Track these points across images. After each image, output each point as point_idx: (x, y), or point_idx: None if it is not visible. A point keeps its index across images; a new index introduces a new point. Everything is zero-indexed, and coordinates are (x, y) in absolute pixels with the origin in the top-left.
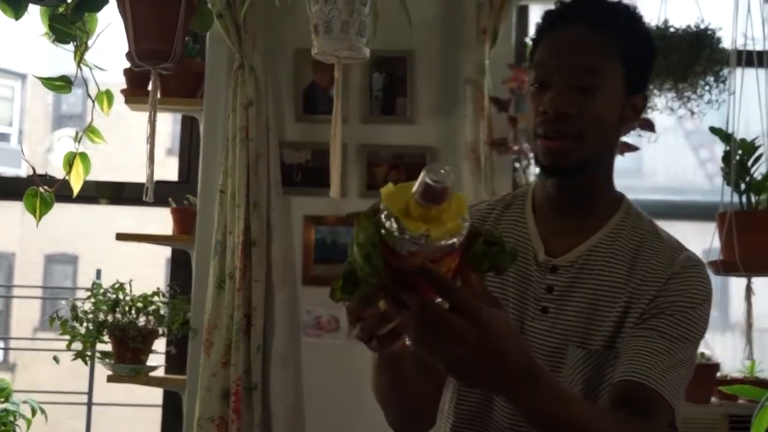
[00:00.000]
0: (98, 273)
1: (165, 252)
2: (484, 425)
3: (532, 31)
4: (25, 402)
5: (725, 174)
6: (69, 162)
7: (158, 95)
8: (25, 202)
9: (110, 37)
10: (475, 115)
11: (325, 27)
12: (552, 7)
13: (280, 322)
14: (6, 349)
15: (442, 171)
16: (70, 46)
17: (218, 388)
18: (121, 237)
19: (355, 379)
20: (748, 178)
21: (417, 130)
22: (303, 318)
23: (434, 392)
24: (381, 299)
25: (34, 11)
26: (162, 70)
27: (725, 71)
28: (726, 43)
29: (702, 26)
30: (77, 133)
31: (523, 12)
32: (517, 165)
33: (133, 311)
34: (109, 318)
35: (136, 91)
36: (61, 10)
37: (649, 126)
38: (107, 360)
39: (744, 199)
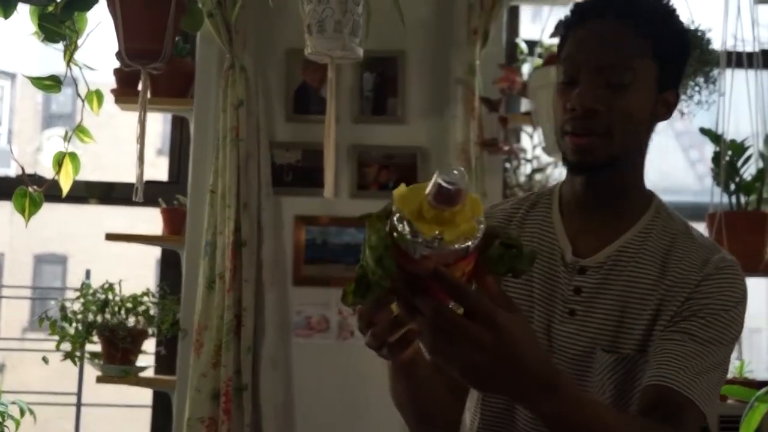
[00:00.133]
0: (87, 273)
1: (155, 252)
2: (508, 430)
3: (522, 31)
4: (13, 403)
5: (715, 175)
6: (58, 162)
7: (148, 95)
8: (14, 202)
9: (100, 36)
10: (465, 115)
11: (318, 27)
12: (547, 5)
13: (270, 322)
14: None
15: (456, 172)
16: (60, 46)
17: (208, 389)
18: (111, 237)
19: (346, 379)
20: (737, 179)
21: (408, 131)
22: (293, 318)
23: (454, 398)
24: (393, 303)
25: (23, 10)
26: (152, 69)
27: (715, 72)
28: (716, 45)
29: (692, 27)
30: (67, 133)
31: (513, 12)
32: (507, 165)
33: (122, 312)
34: (99, 318)
35: (126, 91)
36: (50, 9)
37: None
38: (96, 360)
39: (734, 199)
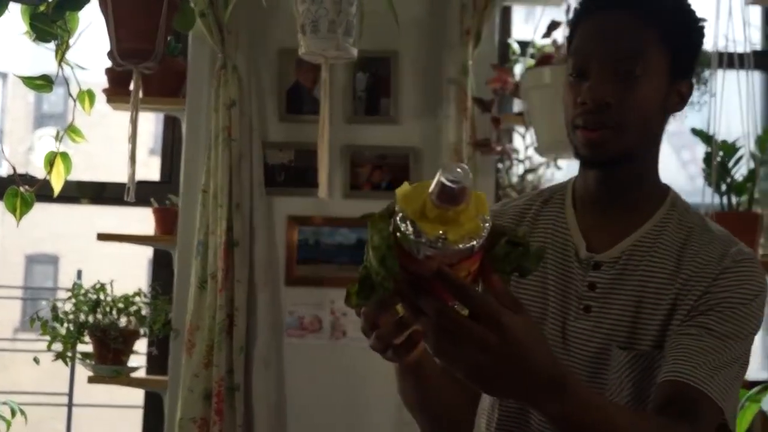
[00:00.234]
0: (79, 273)
1: (147, 252)
2: (523, 430)
3: (515, 31)
4: (4, 403)
5: (706, 175)
6: (50, 161)
7: (140, 95)
8: (6, 202)
9: (92, 35)
10: (458, 115)
11: (312, 27)
12: (540, 6)
13: (262, 322)
14: None
15: (459, 170)
16: (52, 45)
17: (200, 389)
18: (103, 237)
19: (338, 380)
20: (729, 180)
21: (400, 131)
22: (286, 319)
23: (467, 398)
24: (398, 304)
25: (14, 9)
26: (144, 69)
27: (706, 73)
28: (707, 45)
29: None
30: (58, 133)
31: (506, 13)
32: (500, 166)
33: (114, 312)
34: (90, 318)
35: (117, 91)
36: (42, 8)
37: None
38: (88, 361)
39: (725, 200)
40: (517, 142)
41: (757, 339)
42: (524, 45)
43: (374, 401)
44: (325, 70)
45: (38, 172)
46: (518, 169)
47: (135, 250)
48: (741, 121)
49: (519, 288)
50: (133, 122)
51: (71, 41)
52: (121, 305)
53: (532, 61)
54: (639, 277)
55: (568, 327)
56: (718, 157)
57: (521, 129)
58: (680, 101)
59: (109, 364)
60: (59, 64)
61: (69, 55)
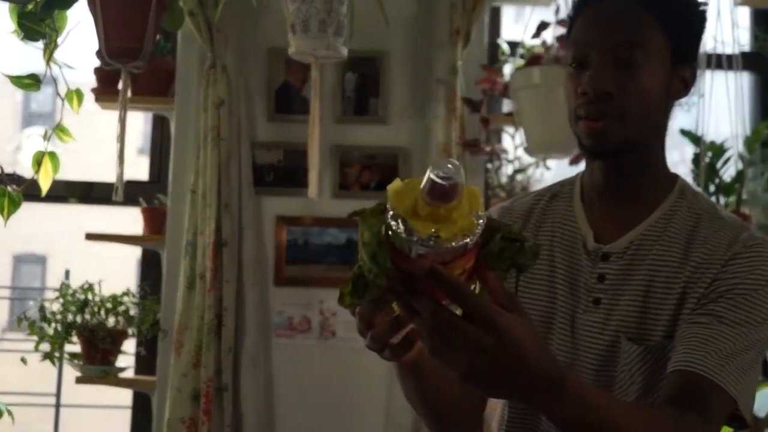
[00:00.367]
0: (67, 273)
1: (135, 252)
2: (534, 427)
3: (504, 32)
4: None
5: (695, 176)
6: (38, 161)
7: (129, 94)
8: None
9: (80, 34)
10: (447, 115)
11: (303, 26)
12: (529, 6)
13: (251, 322)
14: None
15: (450, 166)
16: (40, 44)
17: (189, 389)
18: (91, 237)
19: (327, 380)
20: (717, 180)
21: (389, 131)
22: (274, 319)
23: (476, 399)
24: (392, 303)
25: (2, 8)
26: (132, 68)
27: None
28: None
29: None
30: (46, 132)
31: (495, 13)
32: (489, 166)
33: (102, 312)
34: (78, 319)
35: (106, 90)
36: (30, 7)
37: None
38: (76, 361)
39: (713, 200)
40: (507, 142)
41: None
42: (514, 45)
43: (363, 401)
44: (315, 69)
45: (26, 171)
46: (507, 170)
47: (123, 250)
48: (729, 122)
49: (527, 282)
50: (122, 121)
51: (59, 40)
52: (109, 305)
53: (521, 62)
54: (648, 267)
55: (578, 320)
56: (706, 158)
57: (510, 129)
58: (684, 88)
59: (97, 364)
60: (47, 63)
61: (57, 54)
